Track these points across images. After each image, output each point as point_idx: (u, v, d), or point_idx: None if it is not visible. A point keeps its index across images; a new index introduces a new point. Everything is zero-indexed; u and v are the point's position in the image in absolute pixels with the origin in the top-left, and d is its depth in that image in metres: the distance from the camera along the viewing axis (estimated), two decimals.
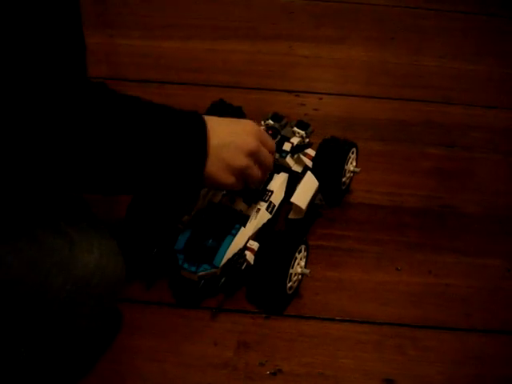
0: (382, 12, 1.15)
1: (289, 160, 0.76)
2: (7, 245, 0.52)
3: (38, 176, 0.51)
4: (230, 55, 1.03)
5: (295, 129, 0.78)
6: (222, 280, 0.65)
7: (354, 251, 0.74)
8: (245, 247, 0.67)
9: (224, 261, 0.65)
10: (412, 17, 1.14)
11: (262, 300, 0.68)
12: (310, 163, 0.76)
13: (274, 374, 0.63)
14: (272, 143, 0.67)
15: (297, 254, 0.66)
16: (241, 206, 0.69)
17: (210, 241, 0.66)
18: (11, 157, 0.48)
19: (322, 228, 0.77)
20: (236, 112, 0.80)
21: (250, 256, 0.67)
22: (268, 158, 0.65)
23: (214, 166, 0.58)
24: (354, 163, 0.79)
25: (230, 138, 0.60)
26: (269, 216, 0.71)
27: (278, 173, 0.75)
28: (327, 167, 0.75)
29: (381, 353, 0.65)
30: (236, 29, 1.09)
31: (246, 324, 0.67)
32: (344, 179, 0.77)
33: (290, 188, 0.73)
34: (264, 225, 0.70)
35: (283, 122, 0.79)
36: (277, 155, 0.76)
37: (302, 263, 0.68)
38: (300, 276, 0.68)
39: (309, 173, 0.74)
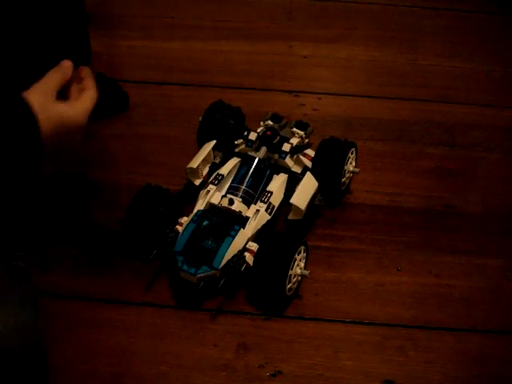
0: (381, 11, 1.14)
1: (288, 161, 0.76)
2: None
3: None
4: (230, 56, 1.03)
5: (294, 129, 0.78)
6: (222, 282, 0.65)
7: (355, 252, 0.74)
8: (244, 249, 0.67)
9: (223, 262, 0.65)
10: (411, 16, 1.14)
11: (262, 301, 0.68)
12: (309, 164, 0.76)
13: (273, 375, 0.63)
14: None
15: (296, 256, 0.66)
16: (240, 207, 0.69)
17: (210, 242, 0.66)
18: None
19: (322, 228, 0.76)
20: (235, 112, 0.80)
21: (249, 257, 0.67)
22: None
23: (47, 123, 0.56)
24: (354, 163, 0.79)
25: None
26: (268, 217, 0.70)
27: (278, 174, 0.74)
28: (326, 168, 0.75)
29: (381, 354, 0.64)
30: (236, 29, 1.09)
31: (245, 326, 0.66)
32: (343, 179, 0.77)
33: (290, 189, 0.73)
34: (263, 226, 0.70)
35: (282, 123, 0.79)
36: (276, 156, 0.76)
37: (302, 264, 0.68)
38: (299, 277, 0.68)
39: (308, 173, 0.74)
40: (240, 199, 0.70)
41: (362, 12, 1.14)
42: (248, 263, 0.66)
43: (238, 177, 0.73)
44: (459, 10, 1.15)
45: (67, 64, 0.60)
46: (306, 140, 0.78)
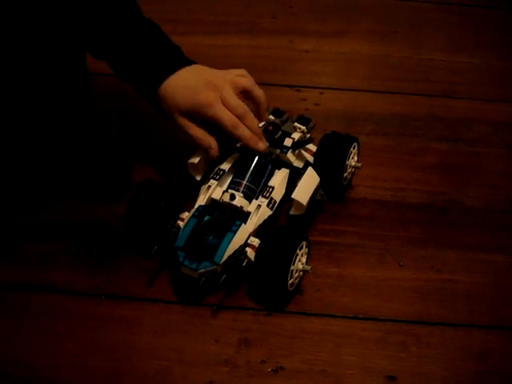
0: (383, 6, 1.14)
1: (290, 156, 0.75)
2: None
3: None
4: (231, 50, 1.02)
5: (296, 124, 0.77)
6: (223, 277, 0.65)
7: (357, 247, 0.74)
8: (245, 244, 0.67)
9: (225, 258, 0.65)
10: (414, 10, 1.13)
11: (263, 297, 0.68)
12: (311, 159, 0.76)
13: (275, 371, 0.62)
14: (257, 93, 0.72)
15: (298, 251, 0.65)
16: (241, 202, 0.69)
17: (211, 238, 0.66)
18: None
19: (324, 224, 0.76)
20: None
21: (250, 253, 0.66)
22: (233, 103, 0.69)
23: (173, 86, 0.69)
24: (356, 158, 0.78)
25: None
26: (270, 212, 0.70)
27: (279, 169, 0.74)
28: (328, 163, 0.75)
29: (383, 349, 0.64)
30: (236, 24, 1.08)
31: (247, 321, 0.66)
32: (345, 174, 0.76)
33: (291, 184, 0.73)
34: (265, 221, 0.69)
35: (284, 118, 0.79)
36: (277, 151, 0.75)
37: (304, 260, 0.67)
38: (301, 273, 0.67)
39: (310, 168, 0.73)
40: (241, 194, 0.69)
41: (364, 6, 1.13)
42: (249, 258, 0.66)
43: (240, 172, 0.72)
44: (462, 5, 1.14)
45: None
46: (308, 135, 0.78)
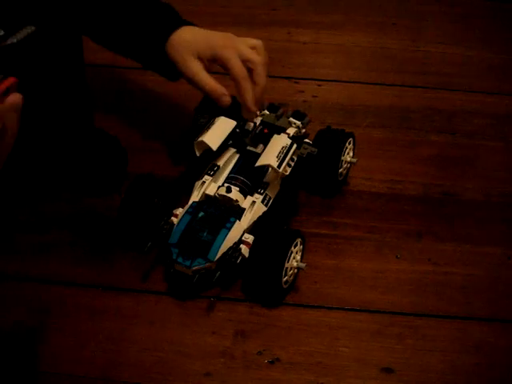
0: None
1: None
2: None
3: None
4: None
5: (291, 119, 0.77)
6: (217, 274, 0.65)
7: (353, 239, 0.74)
8: (240, 241, 0.66)
9: (219, 255, 0.64)
10: (413, 2, 1.13)
11: (258, 294, 0.67)
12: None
13: (271, 362, 0.62)
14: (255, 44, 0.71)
15: (293, 248, 0.65)
16: (237, 196, 0.68)
17: (205, 234, 0.65)
18: None
19: (320, 216, 0.76)
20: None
21: (245, 250, 0.66)
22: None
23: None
24: (351, 154, 0.78)
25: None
26: (264, 209, 0.70)
27: None
28: (323, 158, 0.74)
29: (380, 341, 0.64)
30: (234, 15, 1.08)
31: (243, 313, 0.66)
32: (341, 170, 0.76)
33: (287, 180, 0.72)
34: (259, 218, 0.69)
35: (279, 112, 0.78)
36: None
37: (298, 257, 0.67)
38: (296, 270, 0.67)
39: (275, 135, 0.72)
40: (237, 188, 0.69)
41: None
42: (244, 255, 0.66)
43: (235, 168, 0.72)
44: None
45: None
46: (303, 130, 0.77)
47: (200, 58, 0.69)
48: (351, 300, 0.68)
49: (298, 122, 0.77)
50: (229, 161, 0.73)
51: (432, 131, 0.88)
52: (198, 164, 0.73)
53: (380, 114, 0.90)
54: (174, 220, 0.68)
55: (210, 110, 0.75)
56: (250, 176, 0.71)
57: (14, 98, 0.48)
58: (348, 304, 0.67)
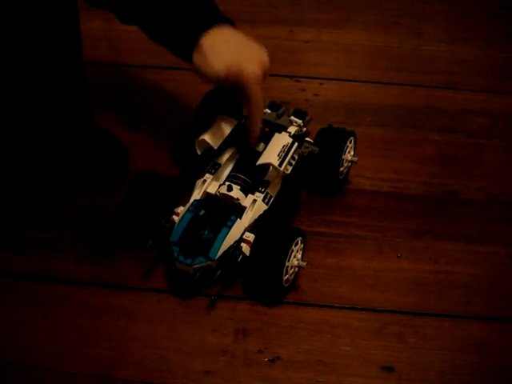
0: None
1: None
2: None
3: None
4: None
5: (292, 118, 0.77)
6: (218, 273, 0.65)
7: (355, 238, 0.74)
8: (241, 239, 0.67)
9: (220, 253, 0.64)
10: (415, 1, 1.12)
11: (258, 292, 0.67)
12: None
13: (272, 360, 0.63)
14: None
15: (293, 247, 0.65)
16: (238, 194, 0.68)
17: (206, 233, 0.65)
18: None
19: (321, 214, 0.76)
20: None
21: (246, 248, 0.66)
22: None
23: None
24: (352, 152, 0.78)
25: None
26: (265, 207, 0.70)
27: None
28: (324, 157, 0.74)
29: (380, 340, 0.64)
30: (236, 13, 1.07)
31: (244, 311, 0.66)
32: (341, 169, 0.76)
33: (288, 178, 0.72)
34: (260, 216, 0.69)
35: (280, 111, 0.78)
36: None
37: (299, 256, 0.67)
38: (296, 268, 0.67)
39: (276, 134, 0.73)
40: (238, 187, 0.69)
41: None
42: (244, 254, 0.66)
43: (236, 166, 0.72)
44: None
45: None
46: (304, 129, 0.77)
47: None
48: (352, 299, 0.68)
49: (299, 121, 0.77)
50: (230, 159, 0.73)
51: (434, 130, 0.88)
52: (199, 162, 0.74)
53: (381, 113, 0.90)
54: (175, 218, 0.68)
55: (211, 108, 0.75)
56: (251, 174, 0.71)
57: None
58: (348, 303, 0.67)
